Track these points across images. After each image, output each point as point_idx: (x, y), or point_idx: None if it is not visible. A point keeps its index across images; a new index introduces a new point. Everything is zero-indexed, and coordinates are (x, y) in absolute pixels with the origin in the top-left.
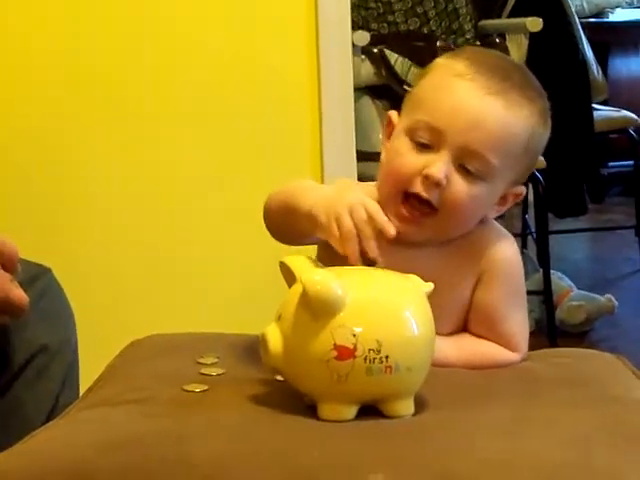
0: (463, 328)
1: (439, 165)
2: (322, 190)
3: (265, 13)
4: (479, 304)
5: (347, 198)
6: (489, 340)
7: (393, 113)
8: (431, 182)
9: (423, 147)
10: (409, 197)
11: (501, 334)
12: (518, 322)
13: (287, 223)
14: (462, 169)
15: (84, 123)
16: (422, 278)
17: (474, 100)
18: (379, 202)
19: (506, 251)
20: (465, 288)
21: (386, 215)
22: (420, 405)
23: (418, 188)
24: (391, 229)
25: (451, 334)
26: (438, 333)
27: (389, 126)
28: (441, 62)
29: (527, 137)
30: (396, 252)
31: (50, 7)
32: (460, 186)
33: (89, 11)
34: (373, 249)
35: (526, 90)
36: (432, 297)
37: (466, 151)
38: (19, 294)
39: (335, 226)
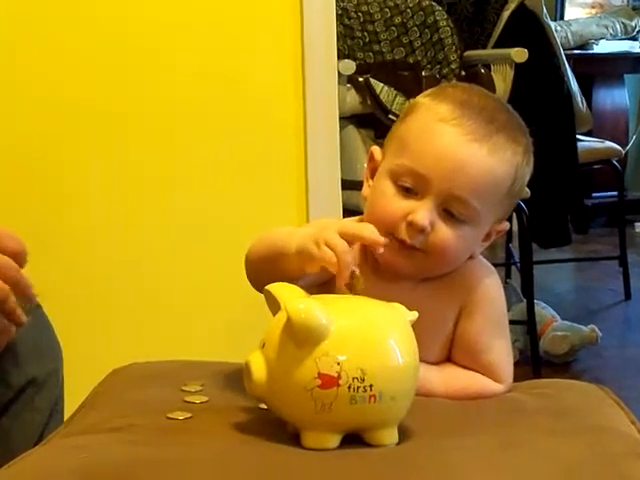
0: (447, 360)
1: (423, 212)
2: (305, 229)
3: (251, 42)
4: (462, 335)
5: (332, 224)
6: (474, 371)
7: (375, 149)
8: (415, 229)
9: (407, 191)
10: (393, 238)
11: (485, 365)
12: (501, 353)
13: (273, 270)
14: (447, 214)
15: (65, 156)
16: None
17: (459, 147)
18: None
19: (488, 283)
20: (448, 320)
21: (377, 255)
22: (404, 434)
23: (403, 234)
24: (381, 239)
25: (435, 365)
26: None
27: (371, 162)
28: (425, 103)
29: (512, 180)
30: (380, 284)
31: (34, 25)
32: (445, 232)
33: (74, 27)
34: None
35: (510, 131)
36: (416, 329)
37: (451, 197)
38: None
39: (328, 250)
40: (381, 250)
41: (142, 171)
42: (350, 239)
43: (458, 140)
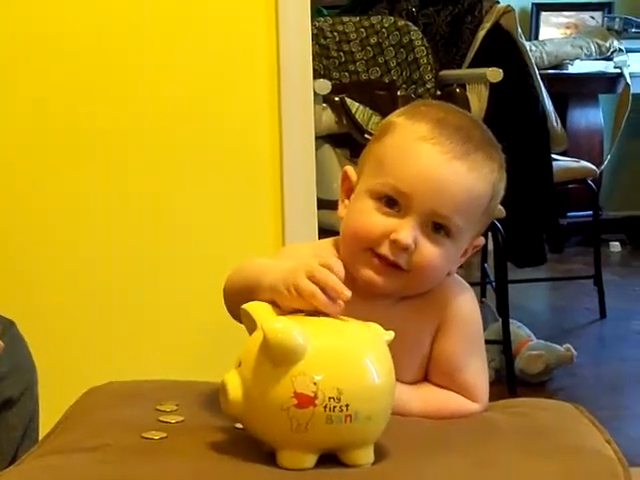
0: (424, 378)
1: (407, 231)
2: (280, 265)
3: (226, 61)
4: (439, 355)
5: (303, 266)
6: (450, 390)
7: (349, 169)
8: (399, 247)
9: (389, 209)
10: (373, 255)
11: (461, 384)
12: (477, 372)
13: (249, 301)
14: (429, 232)
15: (48, 171)
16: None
17: (440, 166)
18: (342, 258)
19: (464, 302)
20: (425, 339)
21: (355, 265)
22: (379, 454)
23: (385, 251)
24: (345, 292)
25: (412, 384)
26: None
27: (346, 182)
28: (401, 123)
29: (490, 196)
30: (357, 303)
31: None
32: (428, 249)
33: (59, 40)
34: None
35: (486, 148)
36: (393, 348)
37: (433, 215)
38: None
39: (295, 293)
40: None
41: (122, 189)
42: (317, 283)
43: (439, 159)
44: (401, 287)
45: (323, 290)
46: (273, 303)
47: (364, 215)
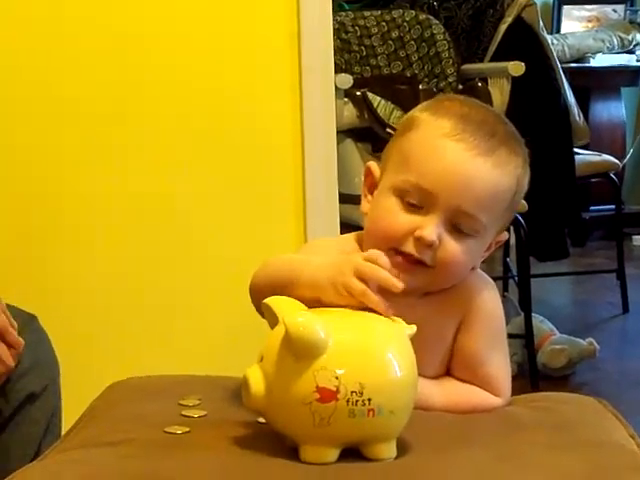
0: (446, 373)
1: (431, 227)
2: (314, 261)
3: (248, 56)
4: (461, 349)
5: (348, 263)
6: (472, 385)
7: (372, 164)
8: (423, 244)
9: (413, 206)
10: (400, 252)
11: (483, 378)
12: (500, 366)
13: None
14: (453, 229)
15: (67, 170)
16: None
17: (465, 163)
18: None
19: (487, 297)
20: (448, 334)
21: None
22: (402, 448)
23: (410, 248)
24: (398, 283)
25: (434, 379)
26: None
27: (369, 177)
28: (425, 119)
29: (514, 192)
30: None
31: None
32: (452, 246)
33: (74, 36)
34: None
35: (510, 143)
36: (415, 343)
37: (457, 212)
38: (15, 337)
39: (345, 293)
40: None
41: (141, 187)
42: (367, 280)
43: (463, 156)
44: (425, 284)
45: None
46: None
47: (389, 213)
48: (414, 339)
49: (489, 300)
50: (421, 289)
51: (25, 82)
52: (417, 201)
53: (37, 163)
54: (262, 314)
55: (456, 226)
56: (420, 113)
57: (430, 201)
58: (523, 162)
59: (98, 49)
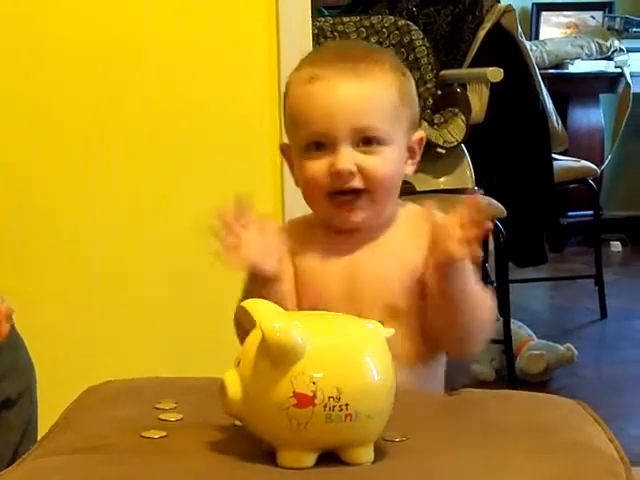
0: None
1: (340, 157)
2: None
3: (226, 61)
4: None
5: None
6: None
7: (282, 144)
8: (343, 174)
9: (319, 152)
10: (333, 196)
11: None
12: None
13: None
14: (362, 146)
15: (50, 172)
16: (372, 261)
17: (334, 94)
18: (316, 218)
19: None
20: (411, 256)
21: (328, 215)
22: (380, 452)
23: (337, 185)
24: None
25: (409, 308)
26: (398, 307)
27: (286, 156)
28: (291, 78)
29: (396, 92)
30: (351, 248)
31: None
32: (370, 160)
33: (67, 38)
34: None
35: (370, 57)
36: (386, 271)
37: (355, 133)
38: None
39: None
40: None
41: (133, 186)
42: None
43: (330, 90)
44: (374, 208)
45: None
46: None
47: (306, 170)
48: (392, 268)
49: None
50: (374, 215)
51: (25, 83)
52: (319, 146)
53: (27, 163)
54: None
55: (363, 142)
56: (288, 77)
57: (328, 139)
58: (391, 66)
59: (91, 49)
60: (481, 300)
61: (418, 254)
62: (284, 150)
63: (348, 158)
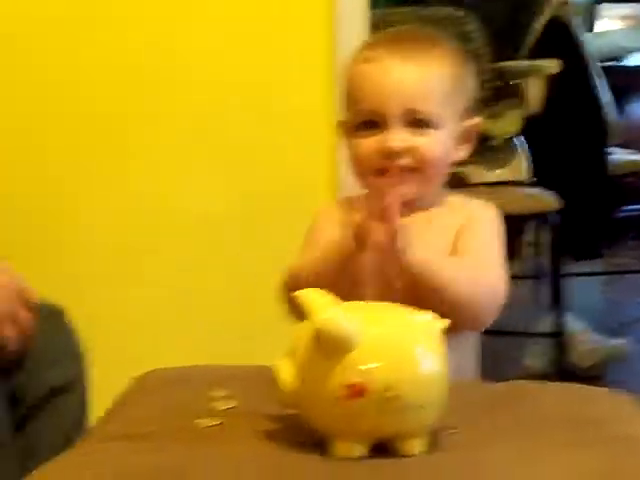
0: None
1: (391, 136)
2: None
3: (282, 54)
4: (458, 247)
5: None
6: None
7: (339, 121)
8: (392, 152)
9: (372, 129)
10: (382, 173)
11: (474, 261)
12: (492, 257)
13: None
14: (414, 126)
15: (86, 166)
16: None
17: (388, 75)
18: (367, 195)
19: (483, 206)
20: (447, 244)
21: (378, 192)
22: (433, 444)
23: (387, 163)
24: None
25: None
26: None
27: (340, 133)
28: (354, 58)
29: (448, 76)
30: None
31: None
32: (420, 141)
33: (82, 29)
34: None
35: (427, 40)
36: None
37: (406, 114)
38: (27, 315)
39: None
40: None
41: (146, 187)
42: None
43: (386, 71)
44: (421, 186)
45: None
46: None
47: (358, 146)
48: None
49: (487, 211)
50: (421, 193)
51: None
52: (372, 124)
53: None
54: (294, 312)
55: (414, 123)
56: (351, 57)
57: (381, 119)
58: (449, 53)
59: (109, 37)
60: (454, 280)
61: (449, 240)
62: (340, 127)
63: (399, 137)
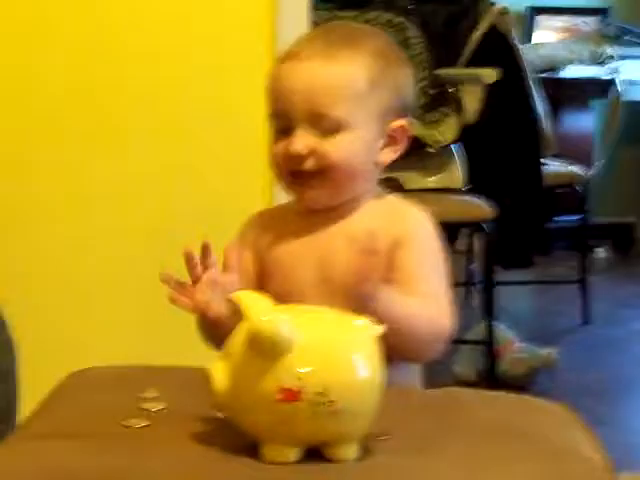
0: None
1: (294, 140)
2: None
3: (222, 55)
4: (401, 266)
5: None
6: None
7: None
8: (295, 156)
9: (283, 132)
10: (290, 176)
11: (426, 294)
12: (440, 287)
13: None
14: (321, 131)
15: (43, 146)
16: (338, 246)
17: (294, 73)
18: (290, 203)
19: (423, 219)
20: (380, 247)
21: (291, 192)
22: (365, 450)
23: (292, 166)
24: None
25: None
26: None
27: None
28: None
29: (364, 75)
30: (315, 227)
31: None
32: (328, 145)
33: (64, 30)
34: None
35: (345, 40)
36: (353, 253)
37: (312, 116)
38: None
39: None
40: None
41: (129, 175)
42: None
43: (292, 69)
44: (331, 191)
45: None
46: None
47: (271, 150)
48: (353, 250)
49: (426, 223)
50: (334, 196)
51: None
52: (282, 126)
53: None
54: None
55: (321, 128)
56: None
57: (287, 120)
58: (370, 50)
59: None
60: (413, 318)
61: (382, 242)
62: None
63: (300, 141)
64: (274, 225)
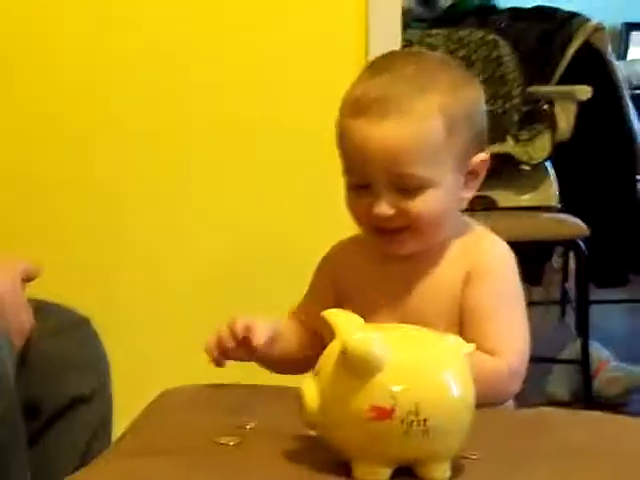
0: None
1: (379, 201)
2: None
3: (317, 76)
4: (467, 303)
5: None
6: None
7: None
8: (383, 218)
9: (363, 189)
10: (378, 230)
11: (486, 335)
12: (507, 323)
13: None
14: (403, 190)
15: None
16: (415, 292)
17: (369, 133)
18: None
19: (494, 252)
20: (453, 285)
21: (375, 244)
22: (456, 469)
23: (377, 224)
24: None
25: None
26: None
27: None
28: (345, 94)
29: (441, 125)
30: (393, 265)
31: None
32: (411, 204)
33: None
34: None
35: (412, 89)
36: (423, 295)
37: (394, 177)
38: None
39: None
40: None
41: (207, 192)
42: None
43: (364, 128)
44: (418, 242)
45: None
46: None
47: (350, 205)
48: (425, 291)
49: (497, 256)
50: (419, 247)
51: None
52: (360, 182)
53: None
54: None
55: (404, 185)
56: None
57: (368, 179)
58: (442, 91)
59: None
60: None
61: (460, 286)
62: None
63: (386, 202)
64: (353, 259)
